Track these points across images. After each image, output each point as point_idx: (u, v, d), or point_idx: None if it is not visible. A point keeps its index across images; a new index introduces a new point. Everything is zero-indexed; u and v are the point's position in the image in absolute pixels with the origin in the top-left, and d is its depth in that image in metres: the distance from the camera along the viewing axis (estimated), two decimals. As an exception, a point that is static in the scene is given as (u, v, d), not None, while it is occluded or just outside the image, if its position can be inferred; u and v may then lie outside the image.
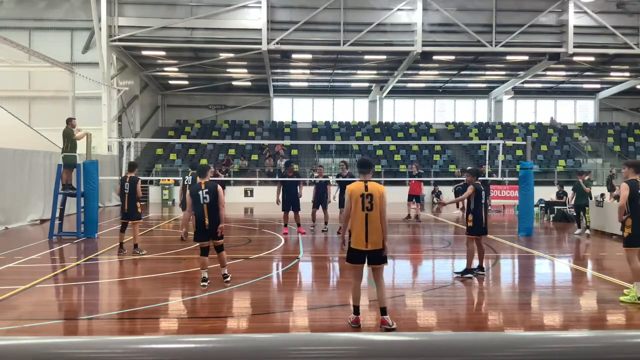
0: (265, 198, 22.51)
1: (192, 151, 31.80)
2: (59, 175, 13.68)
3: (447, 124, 37.04)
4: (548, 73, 32.56)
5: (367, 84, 36.46)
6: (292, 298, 7.66)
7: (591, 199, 14.86)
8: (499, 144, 17.64)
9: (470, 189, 8.83)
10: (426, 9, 25.30)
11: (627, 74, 33.04)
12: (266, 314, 6.67)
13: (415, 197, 18.27)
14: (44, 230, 14.66)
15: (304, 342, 1.32)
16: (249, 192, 27.46)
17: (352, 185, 6.05)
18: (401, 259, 11.07)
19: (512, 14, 25.90)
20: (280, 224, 14.88)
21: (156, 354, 1.25)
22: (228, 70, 31.60)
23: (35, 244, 12.49)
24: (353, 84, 36.75)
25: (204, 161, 27.89)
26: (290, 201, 14.02)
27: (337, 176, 15.50)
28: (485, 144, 20.09)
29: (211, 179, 8.36)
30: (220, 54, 27.91)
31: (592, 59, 29.03)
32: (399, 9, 25.37)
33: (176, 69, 31.25)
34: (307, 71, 32.62)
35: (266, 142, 31.57)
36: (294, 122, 36.19)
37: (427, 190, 27.29)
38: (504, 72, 33.03)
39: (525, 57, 28.61)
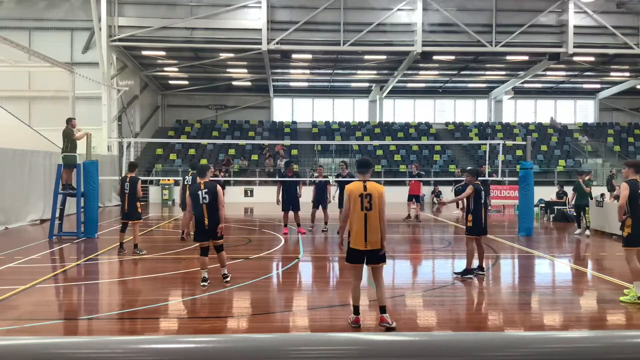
0: (265, 198, 22.51)
1: (192, 151, 31.81)
2: (59, 175, 13.68)
3: (447, 124, 37.04)
4: (548, 73, 32.57)
5: (367, 84, 36.46)
6: (292, 298, 7.66)
7: (591, 199, 14.86)
8: (499, 144, 17.64)
9: (469, 189, 8.82)
10: (426, 9, 25.31)
11: (627, 74, 33.04)
12: (266, 314, 6.67)
13: (415, 197, 18.27)
14: (44, 230, 14.66)
15: (304, 342, 1.32)
16: (249, 192, 27.46)
17: (351, 185, 6.05)
18: (401, 259, 11.07)
19: (512, 14, 25.90)
20: (280, 224, 14.88)
21: (156, 354, 1.25)
22: (228, 70, 31.60)
23: (35, 244, 12.49)
24: (353, 84, 36.75)
25: (204, 161, 27.88)
26: (290, 201, 14.02)
27: (337, 176, 15.51)
28: (485, 144, 20.10)
29: (211, 179, 8.36)
30: (220, 54, 27.92)
31: (592, 59, 29.03)
32: (399, 9, 25.37)
33: (176, 69, 31.26)
34: (307, 71, 32.62)
35: (266, 142, 31.57)
36: (294, 122, 36.19)
37: (427, 190, 27.29)
38: (504, 72, 33.04)
39: (525, 57, 28.61)
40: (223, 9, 25.02)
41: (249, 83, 34.74)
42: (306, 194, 15.19)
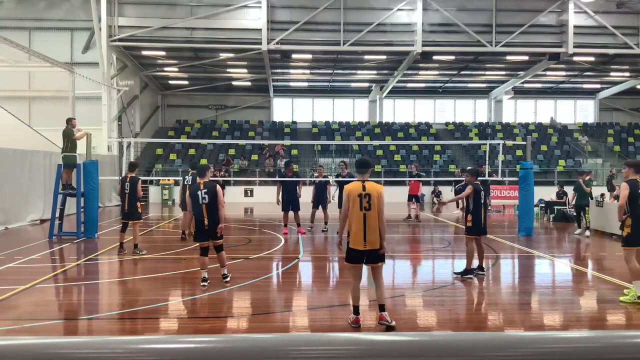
0: (265, 198, 22.52)
1: (192, 151, 31.81)
2: (59, 175, 13.67)
3: (447, 124, 37.04)
4: (548, 73, 32.57)
5: (367, 84, 36.46)
6: (292, 298, 7.66)
7: (592, 199, 14.86)
8: (499, 144, 17.64)
9: (468, 189, 8.82)
10: (426, 9, 25.31)
11: (627, 74, 33.04)
12: (266, 314, 6.67)
13: (415, 197, 18.27)
14: (44, 230, 14.65)
15: (304, 342, 1.32)
16: (249, 192, 27.46)
17: (350, 185, 6.05)
18: (401, 259, 11.07)
19: (512, 14, 25.90)
20: (280, 224, 14.88)
21: (156, 354, 1.25)
22: (228, 70, 31.60)
23: (35, 244, 12.49)
24: (353, 84, 36.75)
25: (204, 161, 27.89)
26: (290, 201, 14.03)
27: (337, 176, 15.51)
28: (485, 144, 20.09)
29: (211, 179, 8.36)
30: (220, 54, 27.92)
31: (592, 59, 29.03)
32: (399, 9, 25.37)
33: (176, 69, 31.26)
34: (307, 71, 32.62)
35: (266, 142, 31.58)
36: (294, 122, 36.19)
37: (427, 190, 27.29)
38: (504, 72, 33.04)
39: (525, 57, 28.61)
40: (223, 9, 25.02)
41: (249, 83, 34.75)
42: (306, 194, 15.19)
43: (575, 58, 27.95)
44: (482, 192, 8.91)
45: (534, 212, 15.36)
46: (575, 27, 25.73)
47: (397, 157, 31.80)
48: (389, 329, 5.77)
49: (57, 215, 13.44)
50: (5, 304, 6.98)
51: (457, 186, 18.55)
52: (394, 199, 19.63)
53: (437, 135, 34.88)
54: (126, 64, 28.36)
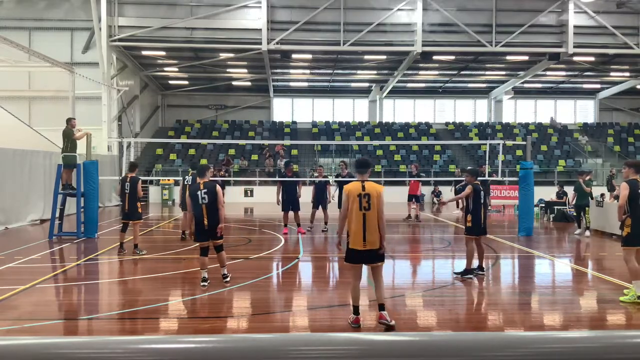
0: (265, 198, 22.52)
1: (192, 151, 31.81)
2: (59, 175, 13.68)
3: (447, 124, 37.04)
4: (548, 73, 32.57)
5: (367, 84, 36.46)
6: (292, 298, 7.66)
7: (592, 199, 14.86)
8: (499, 144, 17.64)
9: (468, 189, 8.82)
10: (426, 9, 25.31)
11: (627, 74, 33.04)
12: (266, 314, 6.67)
13: (415, 197, 18.27)
14: (44, 230, 14.66)
15: (304, 342, 1.32)
16: (249, 192, 27.47)
17: (349, 185, 6.05)
18: (401, 259, 11.07)
19: (512, 14, 25.90)
20: (280, 224, 14.88)
21: (156, 354, 1.25)
22: (228, 70, 31.60)
23: (35, 244, 12.49)
24: (353, 84, 36.75)
25: (204, 161, 27.90)
26: (290, 201, 14.02)
27: (337, 176, 15.50)
28: (485, 144, 20.09)
29: (211, 179, 8.36)
30: (220, 54, 27.92)
31: (592, 59, 29.03)
32: (399, 9, 25.37)
33: (176, 69, 31.26)
34: (307, 71, 32.62)
35: (266, 142, 31.58)
36: (294, 122, 36.19)
37: (427, 190, 27.29)
38: (504, 72, 33.04)
39: (525, 57, 28.61)
40: (223, 9, 25.03)
41: (249, 83, 34.74)
42: (306, 194, 15.19)
43: (575, 58, 27.95)
44: (482, 192, 8.91)
45: (534, 212, 15.36)
46: (575, 27, 25.73)
47: (397, 157, 31.80)
48: (389, 328, 5.78)
49: (57, 215, 13.44)
50: (5, 304, 6.98)
51: (457, 186, 18.55)
52: (394, 199, 19.64)
53: (437, 135, 34.88)
54: (126, 64, 28.36)
